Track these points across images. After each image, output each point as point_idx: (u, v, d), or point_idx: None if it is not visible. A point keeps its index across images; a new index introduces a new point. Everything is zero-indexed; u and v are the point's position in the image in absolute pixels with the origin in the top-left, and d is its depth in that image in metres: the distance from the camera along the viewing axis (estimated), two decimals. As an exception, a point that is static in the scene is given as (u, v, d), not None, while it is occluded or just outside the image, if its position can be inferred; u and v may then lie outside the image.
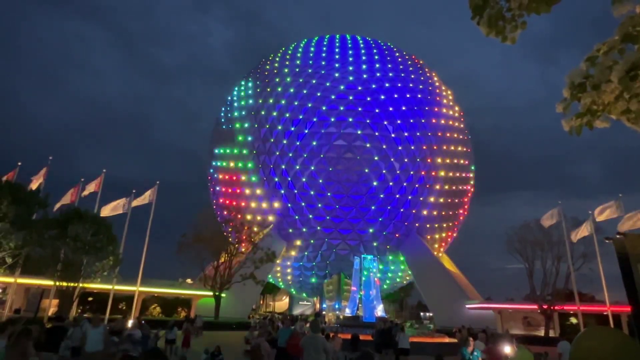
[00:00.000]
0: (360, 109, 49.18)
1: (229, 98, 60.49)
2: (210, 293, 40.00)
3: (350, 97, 49.82)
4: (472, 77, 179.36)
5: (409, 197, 49.20)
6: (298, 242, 50.86)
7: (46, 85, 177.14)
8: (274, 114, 50.67)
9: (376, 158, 48.13)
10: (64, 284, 27.50)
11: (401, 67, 55.46)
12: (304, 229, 49.81)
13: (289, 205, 49.33)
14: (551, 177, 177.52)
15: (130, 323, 19.31)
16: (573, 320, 39.79)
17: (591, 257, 35.65)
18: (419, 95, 52.63)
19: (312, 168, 48.06)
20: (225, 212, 49.35)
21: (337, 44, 58.49)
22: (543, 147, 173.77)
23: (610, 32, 3.21)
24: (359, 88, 50.64)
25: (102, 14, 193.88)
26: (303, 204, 48.80)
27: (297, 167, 48.45)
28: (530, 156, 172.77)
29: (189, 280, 49.48)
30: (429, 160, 49.97)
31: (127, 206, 34.62)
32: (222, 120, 58.02)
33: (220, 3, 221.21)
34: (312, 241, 50.25)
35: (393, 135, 49.03)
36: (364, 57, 55.27)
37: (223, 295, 40.50)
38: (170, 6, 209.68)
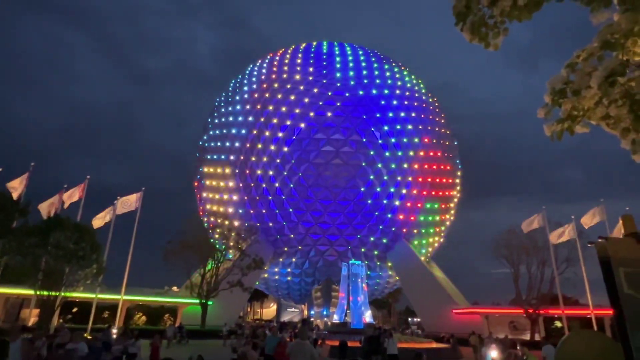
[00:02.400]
0: (348, 115, 49.41)
1: (217, 104, 60.22)
2: (197, 301, 39.44)
3: (338, 104, 50.03)
4: (456, 85, 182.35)
5: (397, 203, 49.45)
6: (286, 249, 50.61)
7: (29, 90, 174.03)
8: (262, 119, 50.56)
9: (364, 164, 48.31)
10: (45, 293, 26.79)
11: (388, 74, 55.98)
12: (292, 235, 49.60)
13: (277, 211, 49.10)
14: (535, 182, 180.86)
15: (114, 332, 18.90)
16: (558, 323, 40.30)
17: (575, 262, 36.25)
18: (406, 102, 53.12)
19: (300, 174, 47.99)
20: (212, 219, 48.91)
21: (325, 51, 58.82)
22: (527, 153, 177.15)
23: (588, 40, 3.29)
24: (347, 94, 50.90)
25: (85, 18, 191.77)
26: (291, 210, 48.63)
27: (285, 173, 48.32)
28: (515, 162, 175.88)
29: (175, 288, 48.74)
30: (416, 166, 50.35)
31: (112, 214, 34.07)
32: (210, 126, 57.66)
33: (206, 9, 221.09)
34: (300, 247, 50.05)
35: (380, 141, 49.32)
36: (351, 64, 55.62)
37: (210, 303, 39.96)
38: (156, 11, 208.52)
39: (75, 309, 38.04)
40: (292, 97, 50.76)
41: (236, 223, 47.43)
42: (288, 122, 49.36)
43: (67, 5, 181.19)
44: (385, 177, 48.84)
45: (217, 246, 43.28)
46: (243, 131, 51.35)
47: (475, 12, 3.25)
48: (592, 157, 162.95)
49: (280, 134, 49.20)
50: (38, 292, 26.99)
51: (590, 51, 3.20)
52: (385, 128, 49.95)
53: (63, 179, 34.65)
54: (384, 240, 50.52)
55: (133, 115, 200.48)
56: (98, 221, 33.60)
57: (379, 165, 48.72)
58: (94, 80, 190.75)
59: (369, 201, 48.45)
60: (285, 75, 53.87)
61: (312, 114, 49.41)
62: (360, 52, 59.68)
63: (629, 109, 2.92)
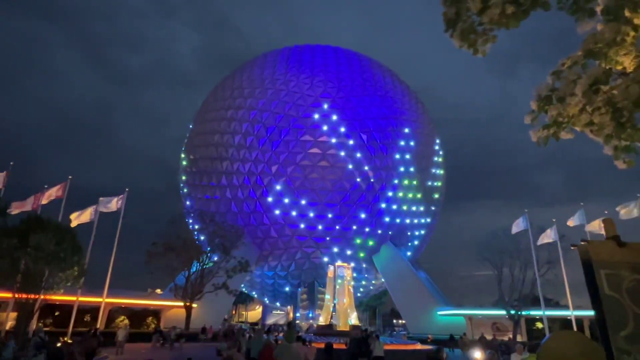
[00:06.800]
0: (334, 118, 49.56)
1: (202, 104, 59.72)
2: (181, 304, 38.94)
3: (325, 106, 50.14)
4: (436, 89, 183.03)
5: (383, 206, 49.75)
6: (272, 251, 50.38)
7: (4, 87, 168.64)
8: (249, 120, 50.33)
9: (350, 167, 48.50)
10: (24, 296, 26.08)
11: (375, 76, 56.34)
12: (278, 237, 49.42)
13: (263, 213, 48.89)
14: (516, 186, 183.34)
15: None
16: (539, 325, 41.04)
17: (555, 264, 36.99)
18: (393, 105, 53.55)
19: (287, 176, 47.91)
20: (197, 220, 48.38)
21: (312, 53, 58.85)
22: (506, 157, 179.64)
23: (566, 47, 3.39)
24: (334, 97, 51.04)
25: (62, 15, 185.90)
26: (277, 212, 48.48)
27: (272, 175, 48.17)
28: (495, 166, 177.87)
29: (158, 291, 48.09)
30: (401, 169, 50.76)
31: (94, 214, 33.41)
32: (195, 126, 57.12)
33: (187, 8, 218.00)
34: (286, 249, 49.89)
35: (367, 143, 49.59)
36: (339, 67, 55.75)
37: (194, 305, 39.50)
38: (135, 9, 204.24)
39: (57, 313, 37.18)
40: (279, 99, 50.68)
41: (222, 225, 47.01)
42: (275, 124, 49.25)
43: (43, 0, 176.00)
44: (372, 180, 49.11)
45: (202, 248, 42.85)
46: (229, 132, 51.02)
47: (465, 19, 3.32)
48: (570, 162, 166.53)
49: (266, 136, 49.04)
50: (16, 295, 26.27)
51: (575, 59, 3.31)
52: (372, 130, 50.25)
53: (43, 179, 33.75)
54: (370, 243, 50.75)
55: (113, 115, 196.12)
56: (75, 220, 32.85)
57: (366, 168, 48.97)
58: (72, 78, 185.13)
59: (355, 203, 48.64)
60: (272, 77, 53.74)
61: (299, 115, 49.42)
62: (348, 55, 59.94)
63: (612, 116, 3.02)
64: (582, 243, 4.63)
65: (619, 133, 3.06)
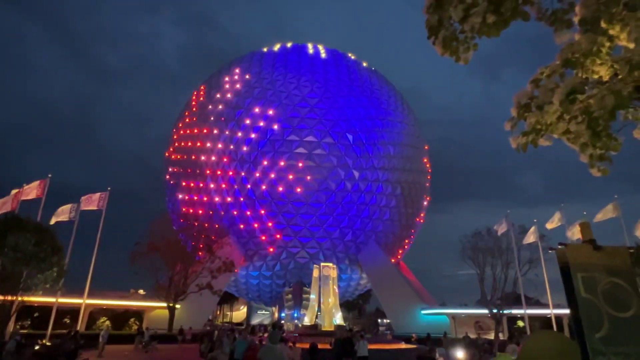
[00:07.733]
0: (321, 118, 49.56)
1: (187, 103, 59.07)
2: (164, 304, 38.44)
3: (312, 106, 50.12)
4: (421, 91, 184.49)
5: (368, 206, 49.98)
6: (257, 251, 50.13)
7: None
8: (234, 120, 49.97)
9: (336, 167, 48.59)
10: (1, 297, 25.38)
11: (361, 77, 56.54)
12: (263, 237, 49.21)
13: (248, 213, 48.61)
14: (498, 187, 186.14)
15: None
16: (520, 323, 41.83)
17: (536, 263, 37.72)
18: (379, 106, 53.84)
19: (272, 176, 47.73)
20: (182, 220, 47.87)
21: (299, 53, 58.77)
22: (489, 159, 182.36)
23: (546, 51, 3.47)
24: (321, 97, 51.05)
25: (41, 9, 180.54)
26: (263, 212, 48.25)
27: (257, 175, 47.93)
28: (478, 167, 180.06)
29: (141, 291, 47.41)
30: (387, 170, 51.07)
31: (74, 212, 32.67)
32: (180, 126, 56.45)
33: (170, 4, 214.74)
34: (271, 249, 49.72)
35: (353, 144, 49.76)
36: (326, 67, 55.79)
37: (177, 306, 39.04)
38: (117, 4, 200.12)
39: (36, 314, 36.34)
40: (266, 98, 50.46)
41: (207, 224, 46.58)
42: (261, 124, 49.01)
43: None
44: (357, 180, 49.29)
45: (186, 248, 42.40)
46: (215, 131, 50.58)
47: (447, 27, 3.37)
48: (551, 165, 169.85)
49: (253, 135, 48.78)
50: (-7, 297, 25.54)
51: (553, 68, 3.38)
52: (358, 131, 50.43)
53: (22, 178, 32.84)
54: (355, 242, 50.92)
55: (94, 112, 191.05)
56: (55, 219, 32.15)
57: (351, 168, 49.13)
58: (50, 74, 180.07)
59: (341, 203, 48.75)
60: (259, 76, 53.48)
61: (285, 115, 49.29)
62: (335, 56, 60.02)
63: (588, 125, 3.10)
64: (560, 247, 4.77)
65: (594, 142, 3.14)
